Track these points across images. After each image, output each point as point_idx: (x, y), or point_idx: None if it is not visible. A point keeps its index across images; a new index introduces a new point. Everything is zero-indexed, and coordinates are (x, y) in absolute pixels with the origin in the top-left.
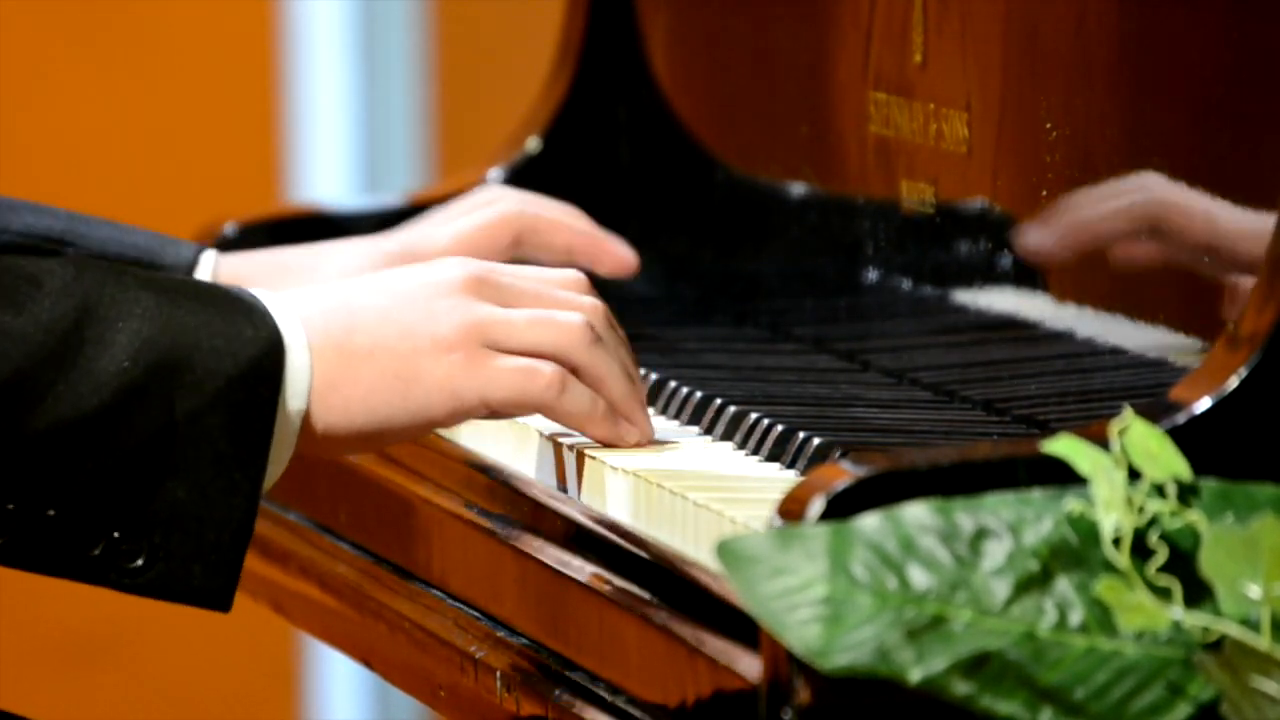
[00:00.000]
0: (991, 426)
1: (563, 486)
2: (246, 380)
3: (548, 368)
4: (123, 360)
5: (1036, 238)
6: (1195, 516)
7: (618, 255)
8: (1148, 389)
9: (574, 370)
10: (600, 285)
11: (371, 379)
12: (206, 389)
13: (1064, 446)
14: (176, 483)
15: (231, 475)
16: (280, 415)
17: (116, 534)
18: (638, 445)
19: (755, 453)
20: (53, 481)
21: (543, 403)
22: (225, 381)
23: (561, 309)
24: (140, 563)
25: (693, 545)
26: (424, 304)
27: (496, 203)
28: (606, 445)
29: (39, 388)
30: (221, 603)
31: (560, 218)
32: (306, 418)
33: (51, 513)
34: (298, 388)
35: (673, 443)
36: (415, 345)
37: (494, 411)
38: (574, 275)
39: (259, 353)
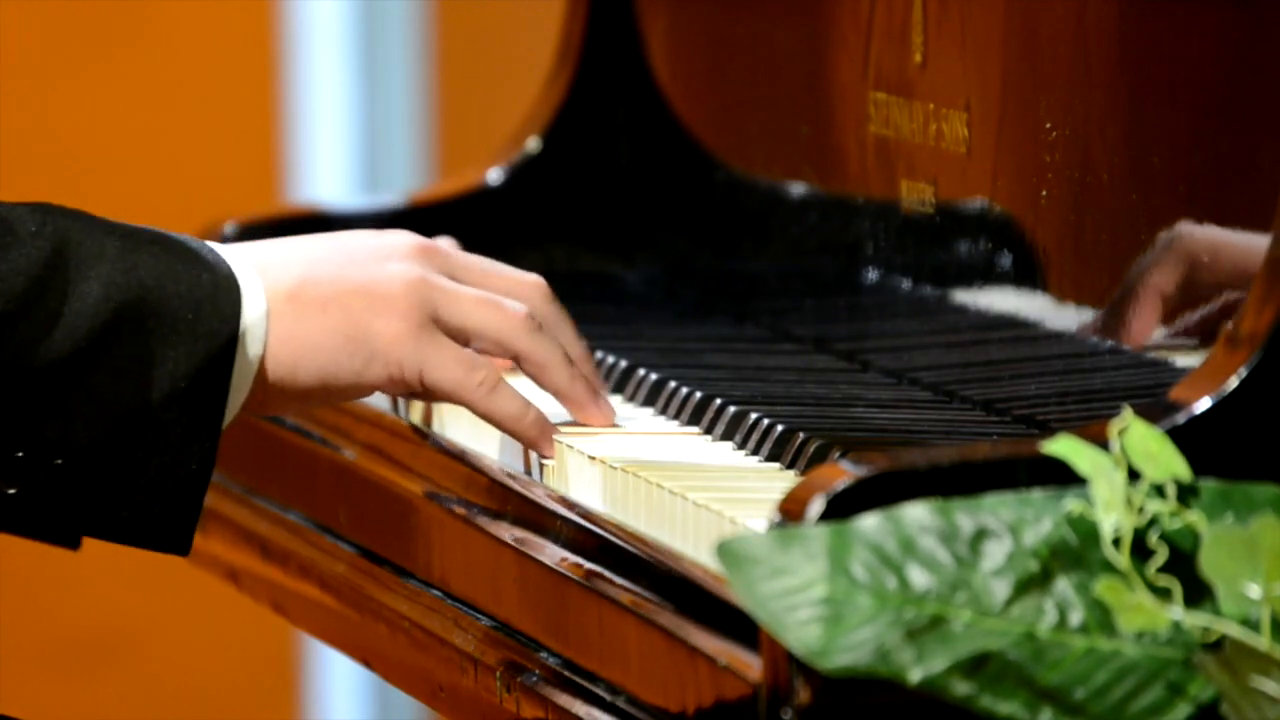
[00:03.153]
0: (991, 426)
1: (563, 486)
2: (208, 327)
3: (484, 369)
4: (94, 306)
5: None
6: (1195, 517)
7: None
8: (1148, 389)
9: (515, 357)
10: (601, 285)
11: (322, 333)
12: (170, 335)
13: (1064, 447)
14: (141, 429)
15: (194, 421)
16: (239, 362)
17: (85, 477)
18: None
19: (755, 453)
20: (23, 424)
21: (474, 399)
22: (187, 328)
23: (506, 285)
24: (105, 507)
25: (692, 545)
26: (376, 264)
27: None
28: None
29: (16, 332)
30: (180, 546)
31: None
32: (260, 367)
33: (20, 454)
34: (255, 335)
35: (672, 442)
36: (368, 304)
37: (427, 391)
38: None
39: (220, 300)
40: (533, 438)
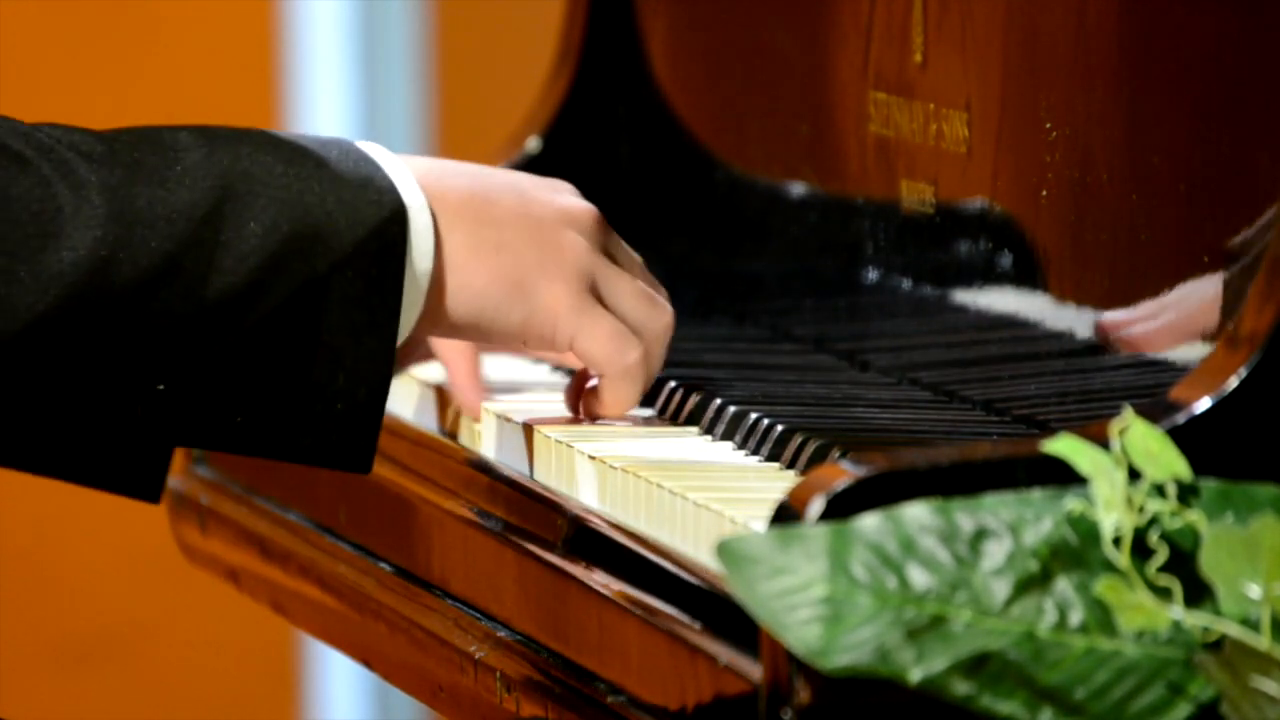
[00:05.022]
0: (991, 426)
1: (562, 485)
2: (374, 246)
3: (637, 351)
4: (259, 240)
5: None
6: (1195, 516)
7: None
8: (1148, 389)
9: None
10: None
11: (489, 276)
12: (339, 259)
13: (1064, 446)
14: (318, 352)
15: (366, 339)
16: (408, 282)
17: (266, 404)
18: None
19: (755, 453)
20: (201, 361)
21: (616, 376)
22: (354, 248)
23: (652, 286)
24: (289, 431)
25: (693, 545)
26: (554, 226)
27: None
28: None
29: (189, 270)
30: (363, 464)
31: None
32: (430, 288)
33: (202, 392)
34: (423, 249)
35: (672, 442)
36: (537, 259)
37: (574, 355)
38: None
39: (386, 219)
40: (603, 414)
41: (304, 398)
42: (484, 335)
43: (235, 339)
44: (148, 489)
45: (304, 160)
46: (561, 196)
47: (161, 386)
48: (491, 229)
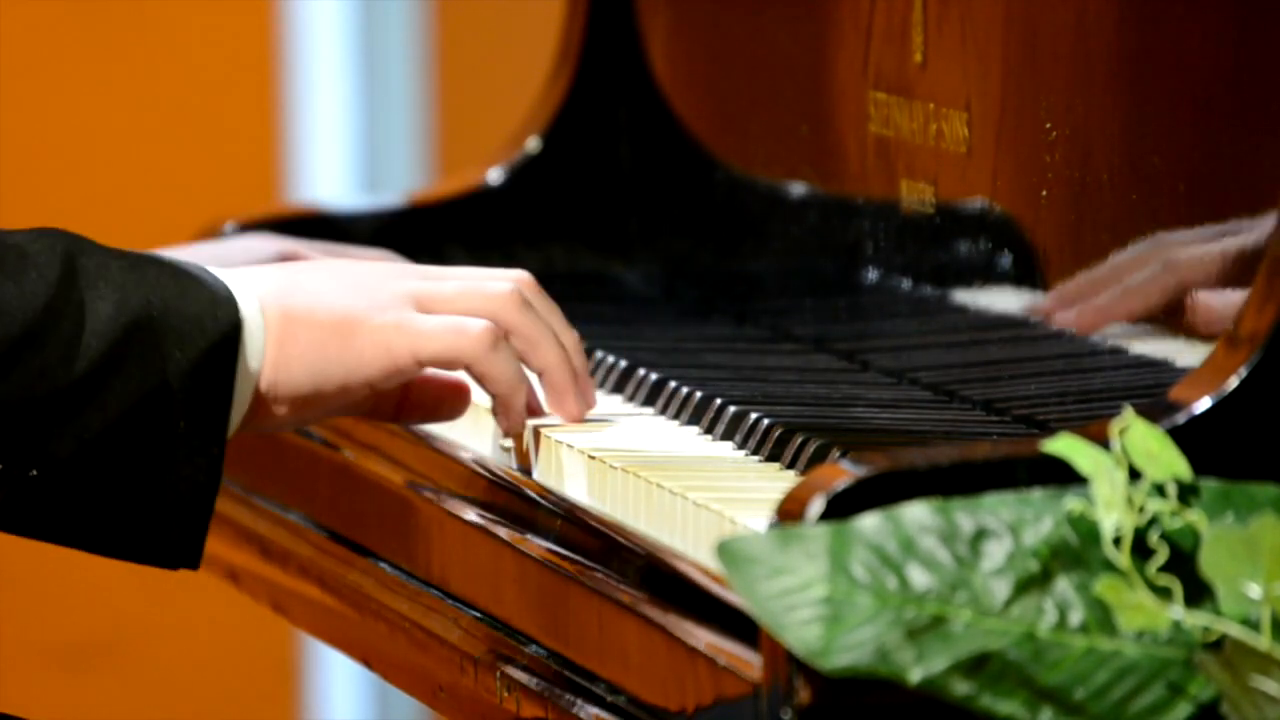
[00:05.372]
0: (991, 426)
1: (562, 485)
2: (211, 343)
3: (477, 324)
4: (107, 322)
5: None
6: (1195, 516)
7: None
8: (1148, 389)
9: (506, 334)
10: (601, 285)
11: (311, 334)
12: (175, 354)
13: (1064, 446)
14: (151, 445)
15: (200, 435)
16: (240, 371)
17: (94, 495)
18: (576, 417)
19: (755, 453)
20: (38, 445)
21: (474, 357)
22: (192, 346)
23: (491, 275)
24: (114, 524)
25: (693, 545)
26: (360, 277)
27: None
28: (532, 414)
29: (39, 354)
30: (190, 561)
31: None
32: (258, 377)
33: (34, 474)
34: (254, 344)
35: (672, 442)
36: (350, 305)
37: (421, 366)
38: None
39: (221, 313)
40: (517, 407)
41: (135, 489)
42: (331, 394)
43: (74, 429)
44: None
45: (135, 257)
46: (366, 252)
47: (16, 471)
48: (300, 297)
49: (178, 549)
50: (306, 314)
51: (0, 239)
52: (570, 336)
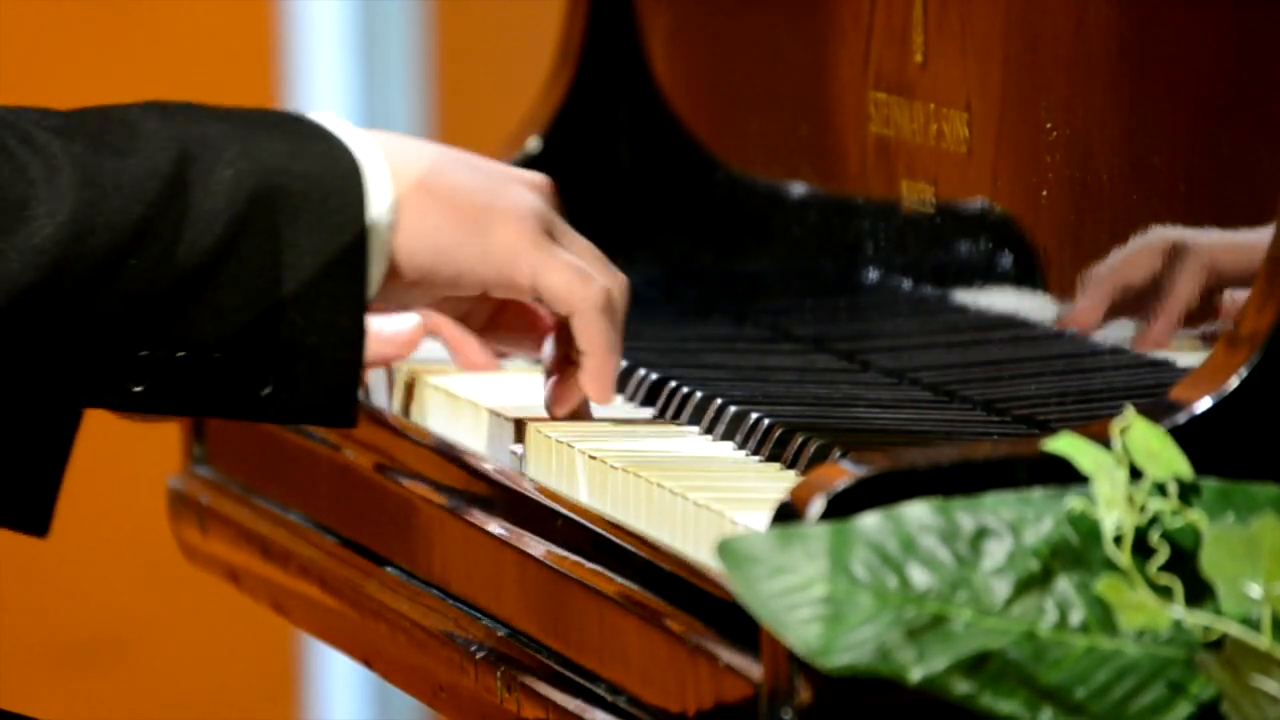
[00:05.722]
0: (991, 426)
1: (562, 485)
2: (337, 200)
3: (597, 285)
4: (224, 199)
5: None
6: (1196, 516)
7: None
8: (1148, 389)
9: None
10: None
11: (444, 216)
12: (302, 213)
13: (1065, 445)
14: (291, 308)
15: (338, 292)
16: (372, 229)
17: (244, 366)
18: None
19: (755, 453)
20: (180, 325)
21: (587, 308)
22: (319, 203)
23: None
24: (268, 391)
25: (693, 545)
26: (506, 182)
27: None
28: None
29: (162, 233)
30: (347, 419)
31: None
32: (391, 238)
33: (181, 354)
34: (382, 201)
35: (672, 442)
36: (493, 203)
37: (538, 295)
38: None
39: (347, 180)
40: (607, 376)
41: (283, 355)
42: (446, 279)
43: (211, 299)
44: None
45: (258, 125)
46: (513, 168)
47: (145, 352)
48: (442, 176)
49: (333, 409)
50: (448, 193)
51: (114, 117)
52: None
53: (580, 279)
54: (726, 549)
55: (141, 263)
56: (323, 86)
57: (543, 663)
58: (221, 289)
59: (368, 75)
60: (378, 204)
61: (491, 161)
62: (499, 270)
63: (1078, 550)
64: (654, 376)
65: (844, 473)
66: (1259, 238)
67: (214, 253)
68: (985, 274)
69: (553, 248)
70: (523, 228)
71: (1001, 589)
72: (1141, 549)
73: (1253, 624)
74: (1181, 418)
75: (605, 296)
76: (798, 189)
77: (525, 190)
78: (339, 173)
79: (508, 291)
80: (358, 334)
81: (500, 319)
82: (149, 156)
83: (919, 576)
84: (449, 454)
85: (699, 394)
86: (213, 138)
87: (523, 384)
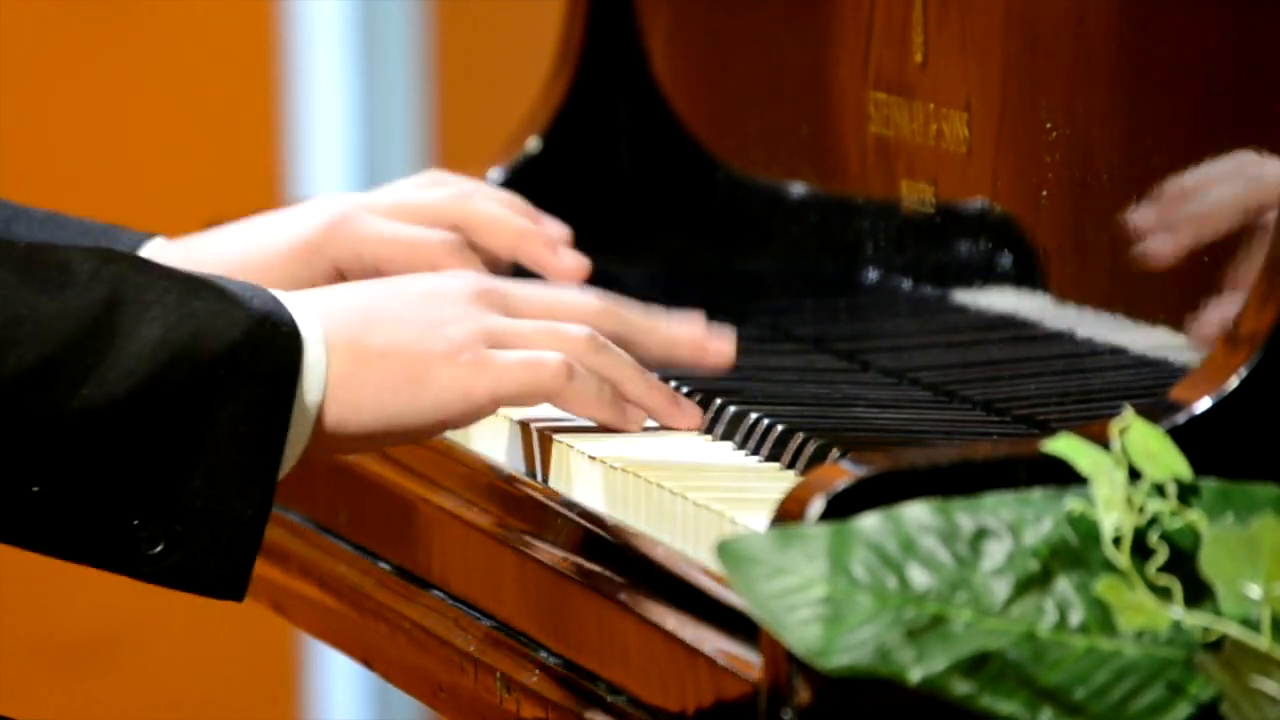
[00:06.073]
0: (991, 426)
1: (562, 485)
2: (265, 373)
3: (553, 357)
4: (149, 350)
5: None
6: (1195, 516)
7: (563, 264)
8: (1148, 389)
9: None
10: (601, 285)
11: (383, 377)
12: (227, 382)
13: (1064, 446)
14: (196, 473)
15: (249, 467)
16: (297, 408)
17: (136, 521)
18: (696, 426)
19: (755, 453)
20: (77, 467)
21: (552, 390)
22: (245, 374)
23: (569, 313)
24: (159, 550)
25: (693, 545)
26: (436, 310)
27: (440, 186)
28: (616, 429)
29: (69, 374)
30: (235, 593)
31: (503, 216)
32: (319, 413)
33: (74, 498)
34: (314, 381)
35: (672, 442)
36: (427, 348)
37: (501, 405)
38: (579, 293)
39: (278, 347)
40: (614, 416)
41: (181, 518)
42: (405, 436)
43: (113, 448)
44: (229, 586)
45: (195, 282)
46: (441, 279)
47: (35, 488)
48: (375, 335)
49: (223, 581)
50: (379, 356)
51: (50, 253)
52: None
53: (534, 372)
54: (726, 549)
55: (46, 396)
56: (323, 86)
57: (542, 663)
58: (126, 441)
59: (368, 75)
60: (310, 384)
61: (421, 283)
62: (459, 411)
63: (1077, 551)
64: (654, 376)
65: (844, 473)
66: (1259, 238)
67: (126, 402)
68: (985, 274)
69: (494, 357)
70: (462, 361)
71: (1001, 589)
72: (1141, 550)
73: (1252, 624)
74: (1181, 418)
75: (565, 369)
76: (798, 189)
77: (457, 309)
78: (273, 348)
79: (476, 418)
80: (262, 511)
81: None
82: (76, 297)
83: (918, 577)
84: (449, 454)
85: (699, 394)
86: (148, 291)
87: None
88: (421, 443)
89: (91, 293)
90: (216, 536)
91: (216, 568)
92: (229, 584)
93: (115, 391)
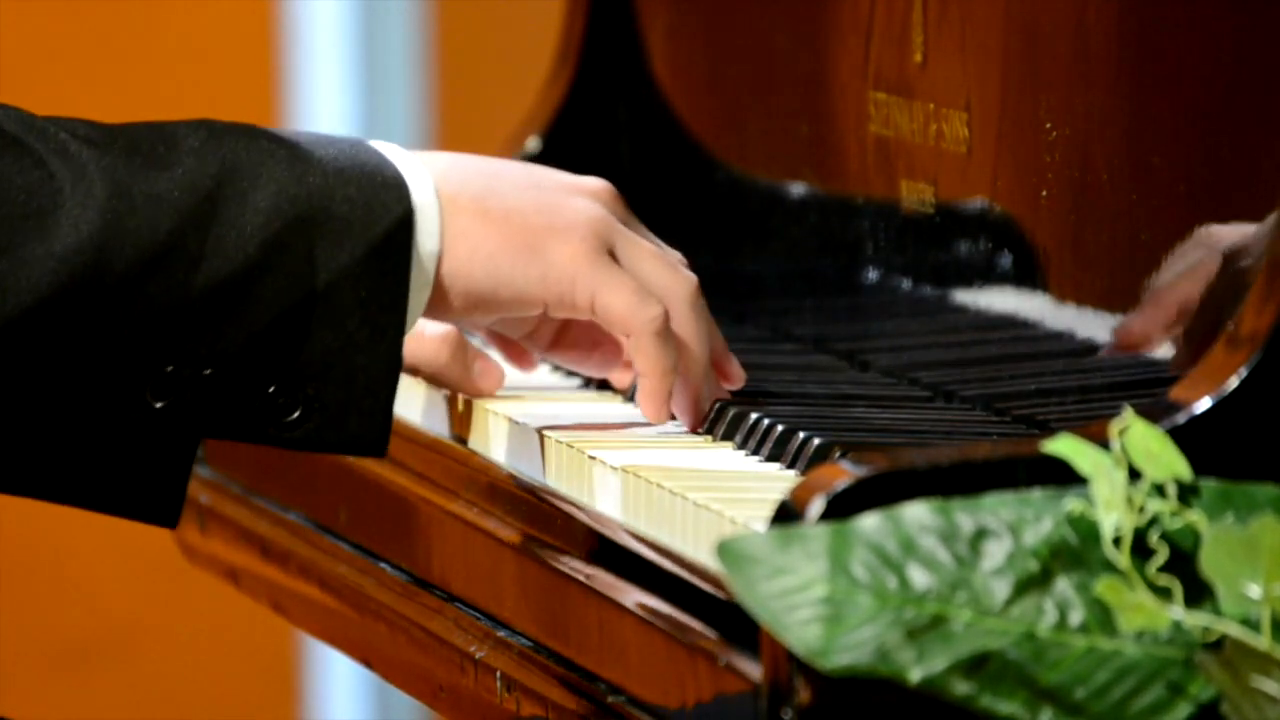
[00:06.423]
0: (991, 426)
1: (562, 486)
2: (378, 226)
3: (657, 307)
4: (263, 217)
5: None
6: (1195, 516)
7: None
8: (1148, 389)
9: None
10: None
11: (500, 239)
12: (344, 239)
13: (1064, 446)
14: (324, 333)
15: (374, 321)
16: (414, 259)
17: (272, 389)
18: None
19: (755, 453)
20: (207, 341)
21: (643, 333)
22: (360, 228)
23: (674, 260)
24: (297, 415)
25: (693, 545)
26: (561, 194)
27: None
28: (652, 412)
29: (188, 251)
30: (378, 448)
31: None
32: (437, 265)
33: (208, 372)
34: (428, 230)
35: (673, 442)
36: (548, 222)
37: (593, 315)
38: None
39: (391, 200)
40: (661, 397)
41: (314, 381)
42: (503, 303)
43: (241, 318)
44: (372, 445)
45: (306, 149)
46: (573, 176)
47: (170, 367)
48: (497, 199)
49: (363, 439)
50: (500, 218)
51: (155, 128)
52: (719, 341)
53: (638, 302)
54: (726, 549)
55: (169, 276)
56: (323, 86)
57: (542, 663)
58: (253, 309)
59: (368, 75)
60: (424, 233)
61: (551, 173)
62: (558, 292)
63: (1077, 551)
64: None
65: (844, 473)
66: (1259, 238)
67: (246, 272)
68: (985, 274)
69: (611, 268)
70: (581, 247)
71: (1001, 589)
72: (1141, 550)
73: (1252, 624)
74: (1181, 418)
75: (661, 321)
76: (798, 189)
77: (585, 203)
78: (385, 200)
79: (568, 312)
80: (393, 364)
81: (565, 337)
82: (187, 172)
83: (918, 577)
84: (449, 454)
85: None
86: (257, 157)
87: (522, 382)
88: (523, 314)
89: (203, 166)
90: (351, 393)
91: (356, 426)
92: (370, 441)
93: (233, 263)
